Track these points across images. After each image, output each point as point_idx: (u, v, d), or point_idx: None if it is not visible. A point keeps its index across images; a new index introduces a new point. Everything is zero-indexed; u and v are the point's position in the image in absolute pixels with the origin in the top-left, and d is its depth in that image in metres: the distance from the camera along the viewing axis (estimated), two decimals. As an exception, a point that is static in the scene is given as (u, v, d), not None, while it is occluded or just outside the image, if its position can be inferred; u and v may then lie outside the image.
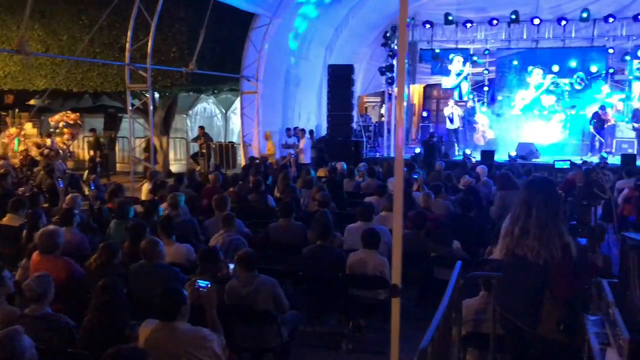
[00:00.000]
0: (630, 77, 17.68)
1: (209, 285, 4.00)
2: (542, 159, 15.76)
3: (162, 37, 13.66)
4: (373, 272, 5.51)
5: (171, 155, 18.25)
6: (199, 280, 4.12)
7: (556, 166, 11.86)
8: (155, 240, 5.09)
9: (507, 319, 3.68)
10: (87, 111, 19.31)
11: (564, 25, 17.07)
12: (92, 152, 16.48)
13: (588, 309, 3.67)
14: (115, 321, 3.86)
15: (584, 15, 16.48)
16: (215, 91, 18.69)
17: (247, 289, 4.65)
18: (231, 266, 4.86)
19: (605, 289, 3.34)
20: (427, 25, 18.26)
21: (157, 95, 16.48)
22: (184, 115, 18.88)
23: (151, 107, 13.51)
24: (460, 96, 19.31)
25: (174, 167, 17.86)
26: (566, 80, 18.12)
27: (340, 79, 15.91)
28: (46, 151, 14.87)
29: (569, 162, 10.99)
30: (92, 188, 9.29)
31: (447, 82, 19.51)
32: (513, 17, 17.01)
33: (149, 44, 12.34)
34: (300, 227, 6.72)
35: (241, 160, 15.88)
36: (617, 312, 3.00)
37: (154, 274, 4.86)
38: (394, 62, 17.79)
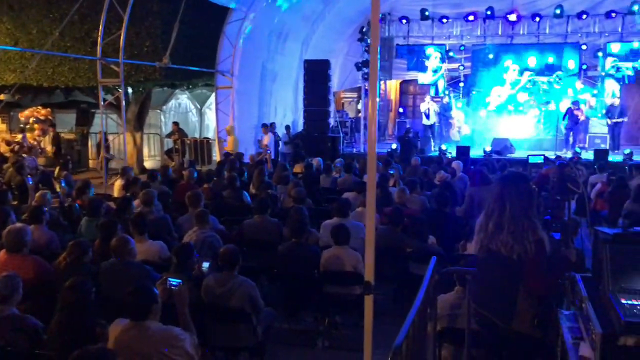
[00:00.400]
0: (603, 74, 17.91)
1: (181, 284, 3.93)
2: (517, 154, 15.91)
3: (135, 31, 13.44)
4: (347, 268, 5.48)
5: (145, 152, 17.98)
6: (170, 279, 4.04)
7: (530, 161, 12.03)
8: (126, 238, 4.99)
9: (481, 314, 3.67)
10: (59, 106, 18.90)
11: (539, 21, 17.30)
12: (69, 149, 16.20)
13: (562, 303, 3.69)
14: (83, 321, 3.76)
15: (558, 11, 16.74)
16: (190, 86, 18.45)
17: (222, 288, 4.59)
18: (205, 264, 4.78)
19: (579, 283, 3.35)
20: (404, 21, 18.34)
21: (130, 90, 16.21)
22: (158, 111, 18.59)
23: (124, 103, 13.29)
24: (437, 92, 19.35)
25: (148, 164, 17.59)
26: (544, 79, 18.23)
27: (316, 75, 15.84)
28: (16, 147, 14.54)
29: (542, 157, 11.14)
30: (63, 185, 9.11)
31: (423, 78, 19.52)
32: (488, 13, 17.15)
33: (122, 37, 12.12)
34: (275, 224, 6.66)
35: (216, 156, 15.70)
36: (590, 306, 3.00)
37: (124, 272, 4.77)
38: (370, 57, 17.75)
